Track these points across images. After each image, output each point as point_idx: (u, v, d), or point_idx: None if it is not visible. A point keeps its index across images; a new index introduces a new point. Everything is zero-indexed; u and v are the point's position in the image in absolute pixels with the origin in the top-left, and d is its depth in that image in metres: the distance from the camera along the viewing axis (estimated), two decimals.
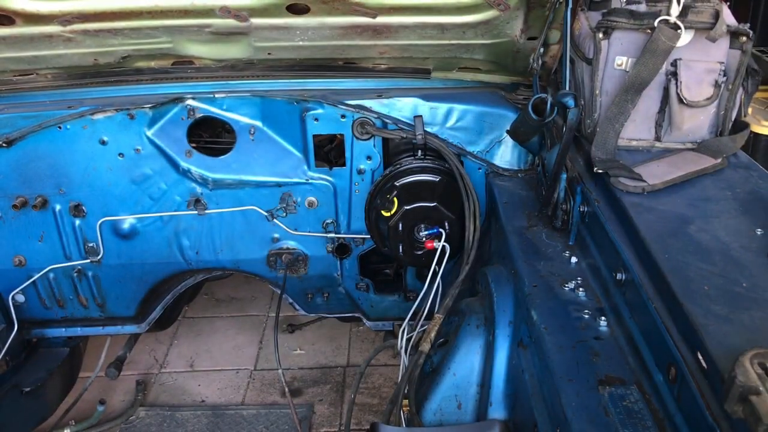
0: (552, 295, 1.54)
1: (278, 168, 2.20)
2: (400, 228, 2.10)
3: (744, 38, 1.74)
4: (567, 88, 1.85)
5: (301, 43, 1.98)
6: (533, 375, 1.45)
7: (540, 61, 2.00)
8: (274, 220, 2.27)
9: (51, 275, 2.37)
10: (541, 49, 1.97)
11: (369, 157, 2.16)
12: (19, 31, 1.88)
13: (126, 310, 2.51)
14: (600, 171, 1.71)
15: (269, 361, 3.16)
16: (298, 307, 2.58)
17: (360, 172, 2.19)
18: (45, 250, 2.31)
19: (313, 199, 2.24)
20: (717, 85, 1.76)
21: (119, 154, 2.16)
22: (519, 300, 1.62)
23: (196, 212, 2.25)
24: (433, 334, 1.83)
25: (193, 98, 2.11)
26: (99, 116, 2.10)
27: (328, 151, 2.26)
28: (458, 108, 2.09)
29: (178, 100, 2.11)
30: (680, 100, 1.76)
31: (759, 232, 1.45)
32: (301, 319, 3.31)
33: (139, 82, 2.21)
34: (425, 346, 1.82)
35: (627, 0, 1.76)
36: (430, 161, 2.11)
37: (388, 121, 2.10)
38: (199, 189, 2.22)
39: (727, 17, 1.73)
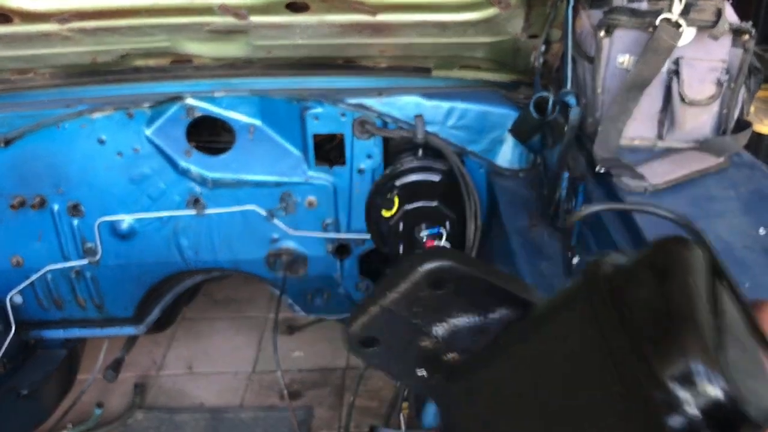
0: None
1: (278, 167, 2.19)
2: (401, 228, 2.09)
3: (746, 36, 1.73)
4: (569, 86, 1.83)
5: (300, 41, 1.97)
6: None
7: (541, 60, 1.99)
8: (274, 220, 2.26)
9: (49, 276, 2.36)
10: (543, 48, 1.96)
11: (369, 156, 2.15)
12: (17, 29, 1.87)
13: (124, 311, 2.50)
14: (602, 170, 1.69)
15: (268, 363, 3.14)
16: (297, 308, 2.57)
17: (360, 171, 2.18)
18: (43, 250, 2.30)
19: (312, 198, 2.23)
20: (719, 83, 1.75)
21: (118, 154, 2.15)
22: None
23: (195, 212, 2.23)
24: None
25: (192, 97, 2.10)
26: (97, 115, 2.09)
27: (328, 151, 2.25)
28: (459, 107, 2.08)
29: (177, 98, 2.10)
30: (682, 99, 1.75)
31: (762, 232, 1.43)
32: (300, 321, 3.29)
33: (138, 81, 2.19)
34: None
35: None
36: (430, 160, 2.10)
37: (388, 120, 2.08)
38: (198, 189, 2.21)
39: (730, 15, 1.72)
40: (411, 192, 2.07)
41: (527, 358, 0.63)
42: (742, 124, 1.81)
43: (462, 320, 0.70)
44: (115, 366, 2.81)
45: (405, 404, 1.78)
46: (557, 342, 0.58)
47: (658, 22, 1.67)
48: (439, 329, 0.70)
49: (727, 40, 1.73)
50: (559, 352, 0.57)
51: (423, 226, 2.09)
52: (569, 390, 0.55)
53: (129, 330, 2.59)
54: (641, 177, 1.64)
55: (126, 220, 2.25)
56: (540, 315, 0.65)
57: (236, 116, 2.13)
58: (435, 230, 2.08)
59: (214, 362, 3.19)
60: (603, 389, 0.51)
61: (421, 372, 0.73)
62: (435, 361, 0.72)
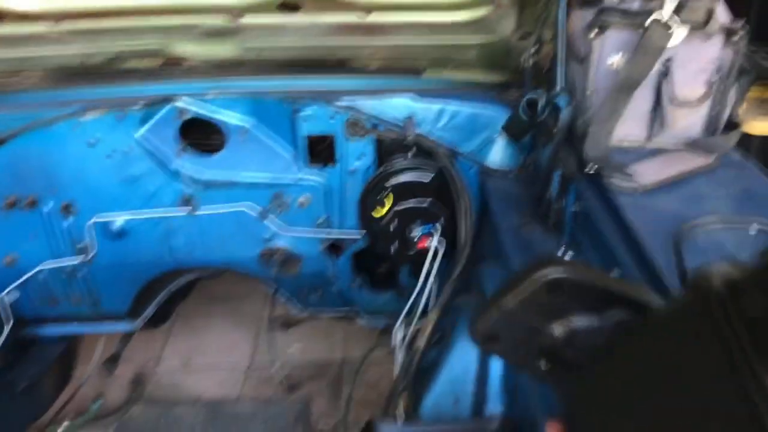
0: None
1: (270, 167, 2.19)
2: (393, 227, 2.10)
3: (737, 37, 1.73)
4: (559, 87, 1.83)
5: (291, 42, 1.97)
6: None
7: (532, 60, 1.99)
8: (266, 219, 2.26)
9: (42, 274, 2.37)
10: (534, 48, 1.96)
11: (361, 157, 2.15)
12: (7, 30, 1.87)
13: (119, 307, 2.51)
14: (592, 170, 1.70)
15: (265, 357, 3.16)
16: (292, 304, 2.58)
17: (352, 171, 2.18)
18: (36, 249, 2.31)
19: (305, 198, 2.23)
20: (710, 83, 1.75)
21: (109, 155, 2.15)
22: None
23: (187, 212, 2.24)
24: (428, 331, 1.84)
25: (184, 98, 2.10)
26: (89, 116, 2.09)
27: (320, 151, 2.25)
28: (450, 107, 2.08)
29: (168, 100, 2.09)
30: (673, 99, 1.75)
31: (752, 231, 1.44)
32: (296, 316, 3.31)
33: (129, 82, 2.19)
34: (421, 343, 1.82)
35: None
36: (422, 160, 2.10)
37: (379, 120, 2.08)
38: (189, 189, 2.21)
39: (721, 15, 1.72)
40: (402, 192, 2.08)
41: (641, 359, 0.66)
42: (733, 124, 1.82)
43: (578, 321, 0.76)
44: (112, 360, 2.83)
45: (403, 396, 1.81)
46: (671, 350, 0.61)
47: (648, 22, 1.66)
48: (557, 329, 0.77)
49: (718, 40, 1.73)
50: (673, 359, 0.59)
51: (415, 225, 2.10)
52: (680, 395, 0.58)
53: (125, 326, 2.60)
54: (631, 177, 1.65)
55: (118, 219, 2.26)
56: (655, 322, 0.68)
57: (228, 117, 2.13)
58: (427, 229, 2.10)
59: (211, 356, 3.21)
60: (714, 398, 0.53)
61: (543, 365, 0.80)
62: (554, 356, 0.78)
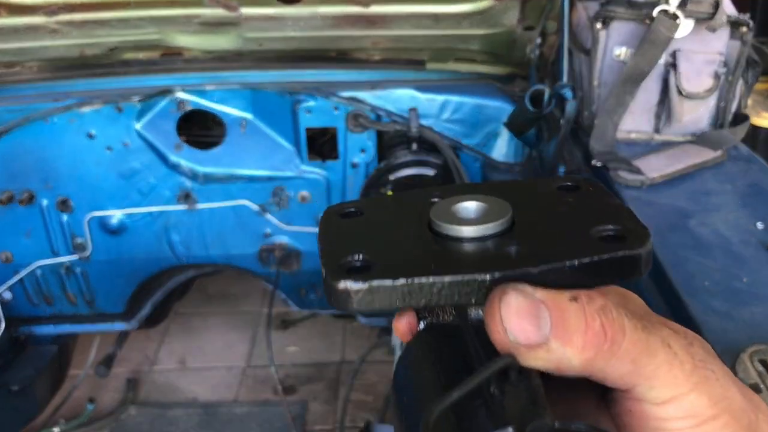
0: None
1: (270, 161, 2.17)
2: None
3: (744, 29, 1.72)
4: (565, 79, 1.82)
5: (292, 33, 1.95)
6: None
7: (537, 52, 1.98)
8: (266, 214, 2.24)
9: (38, 272, 2.33)
10: (539, 40, 1.94)
11: (363, 150, 2.13)
12: (3, 22, 1.85)
13: (115, 306, 2.47)
14: (598, 164, 1.68)
15: (262, 358, 3.12)
16: (291, 303, 2.55)
17: (353, 165, 2.15)
18: (32, 245, 2.27)
19: (305, 193, 2.20)
20: (717, 76, 1.74)
21: (107, 148, 2.12)
22: None
23: (186, 207, 2.21)
24: None
25: (183, 90, 2.07)
26: (86, 109, 2.06)
27: (321, 144, 2.23)
28: (454, 100, 2.06)
29: (167, 92, 2.07)
30: (679, 92, 1.73)
31: (760, 226, 1.42)
32: (294, 316, 3.28)
33: (127, 74, 2.17)
34: None
35: None
36: (425, 154, 2.08)
37: (382, 113, 2.06)
38: (189, 183, 2.19)
39: (727, 7, 1.71)
40: (405, 186, 2.05)
41: None
42: (740, 117, 1.80)
43: None
44: (107, 361, 2.79)
45: None
46: None
47: (655, 13, 1.65)
48: None
49: (724, 33, 1.72)
50: None
51: None
52: None
53: (120, 326, 2.56)
54: (638, 171, 1.63)
55: (116, 215, 2.22)
56: None
57: (227, 110, 2.10)
58: None
59: (207, 357, 3.17)
60: None
61: None
62: None
